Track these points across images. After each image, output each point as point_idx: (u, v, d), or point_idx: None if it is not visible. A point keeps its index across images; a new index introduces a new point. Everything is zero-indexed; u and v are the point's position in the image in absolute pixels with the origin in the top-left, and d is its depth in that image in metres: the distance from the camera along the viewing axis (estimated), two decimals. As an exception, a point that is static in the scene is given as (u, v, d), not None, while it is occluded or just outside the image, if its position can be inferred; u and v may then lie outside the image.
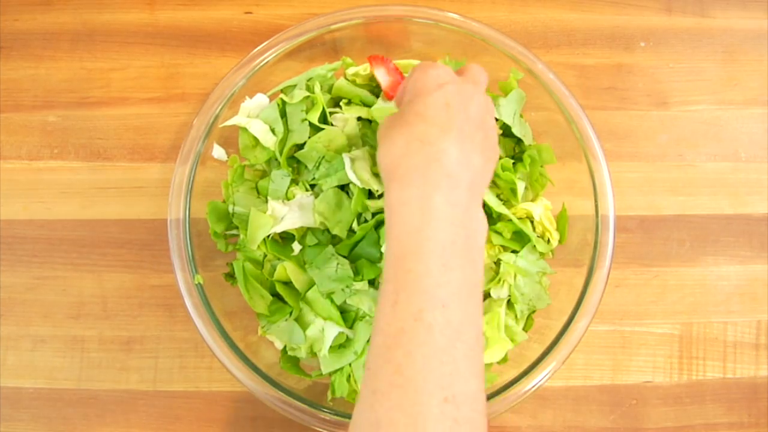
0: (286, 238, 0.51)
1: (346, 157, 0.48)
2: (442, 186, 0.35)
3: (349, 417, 0.47)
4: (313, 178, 0.50)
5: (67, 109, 0.60)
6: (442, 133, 0.36)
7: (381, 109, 0.51)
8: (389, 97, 0.52)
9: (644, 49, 0.62)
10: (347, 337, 0.49)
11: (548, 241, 0.52)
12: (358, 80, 0.53)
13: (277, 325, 0.50)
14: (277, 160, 0.50)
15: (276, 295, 0.50)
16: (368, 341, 0.48)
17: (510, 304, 0.50)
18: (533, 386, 0.47)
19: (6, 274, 0.57)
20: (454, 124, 0.36)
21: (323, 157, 0.49)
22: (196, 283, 0.48)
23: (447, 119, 0.36)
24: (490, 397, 0.47)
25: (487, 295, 0.50)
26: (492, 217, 0.50)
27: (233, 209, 0.51)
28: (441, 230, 0.34)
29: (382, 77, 0.52)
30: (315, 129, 0.50)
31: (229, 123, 0.51)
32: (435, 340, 0.32)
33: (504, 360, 0.50)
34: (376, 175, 0.49)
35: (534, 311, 0.51)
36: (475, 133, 0.37)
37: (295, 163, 0.51)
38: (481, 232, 0.37)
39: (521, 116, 0.53)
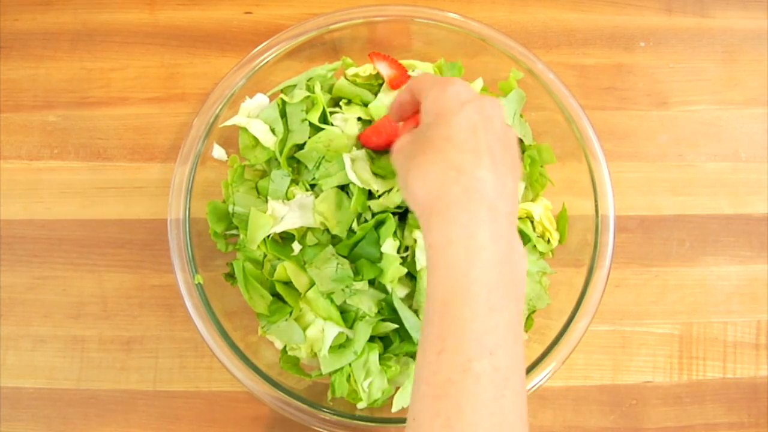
0: (286, 238, 0.51)
1: (346, 157, 0.48)
2: (484, 220, 0.33)
3: (350, 417, 0.47)
4: (313, 178, 0.50)
5: (67, 109, 0.60)
6: (476, 160, 0.34)
7: (379, 107, 0.51)
8: (393, 87, 0.52)
9: (644, 49, 0.62)
10: (347, 337, 0.49)
11: (548, 241, 0.52)
12: (358, 80, 0.53)
13: (277, 325, 0.50)
14: (277, 160, 0.50)
15: (276, 295, 0.50)
16: (368, 341, 0.48)
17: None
18: (533, 386, 0.47)
19: (6, 274, 0.57)
20: (485, 148, 0.34)
21: (323, 157, 0.49)
22: (196, 283, 0.48)
23: (477, 143, 0.34)
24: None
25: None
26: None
27: (233, 209, 0.51)
28: (487, 270, 0.32)
29: (385, 70, 0.52)
30: (315, 129, 0.50)
31: (229, 123, 0.51)
32: (484, 391, 0.31)
33: None
34: (377, 175, 0.49)
35: (534, 311, 0.51)
36: (504, 153, 0.36)
37: (295, 163, 0.51)
38: (522, 264, 0.35)
39: (521, 116, 0.53)
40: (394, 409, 0.47)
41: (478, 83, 0.53)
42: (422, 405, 0.32)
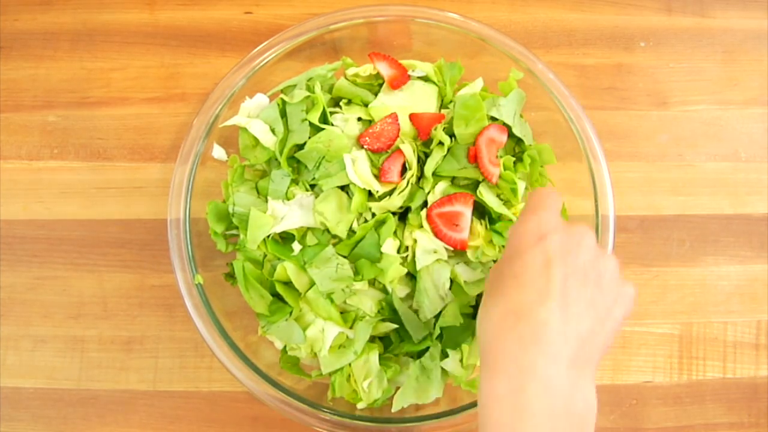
0: (286, 238, 0.51)
1: (347, 157, 0.48)
2: (538, 371, 0.31)
3: (350, 417, 0.47)
4: (313, 178, 0.50)
5: (67, 109, 0.60)
6: (540, 301, 0.32)
7: (379, 107, 0.51)
8: (393, 87, 0.52)
9: (644, 49, 0.62)
10: (347, 337, 0.49)
11: (548, 241, 0.52)
12: (359, 80, 0.53)
13: (277, 325, 0.50)
14: (277, 160, 0.50)
15: (276, 295, 0.50)
16: (368, 341, 0.48)
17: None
18: (533, 386, 0.47)
19: (6, 274, 0.57)
20: (555, 286, 0.32)
21: (323, 157, 0.49)
22: (196, 283, 0.48)
23: (546, 281, 0.32)
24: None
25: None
26: (492, 217, 0.50)
27: (233, 209, 0.51)
28: (537, 427, 0.30)
29: (385, 70, 0.52)
30: (315, 129, 0.50)
31: (229, 123, 0.51)
32: None
33: None
34: (377, 175, 0.49)
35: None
36: (583, 288, 0.33)
37: (295, 163, 0.51)
38: (589, 414, 0.32)
39: (521, 116, 0.53)
40: (394, 409, 0.47)
41: (478, 83, 0.53)
42: None
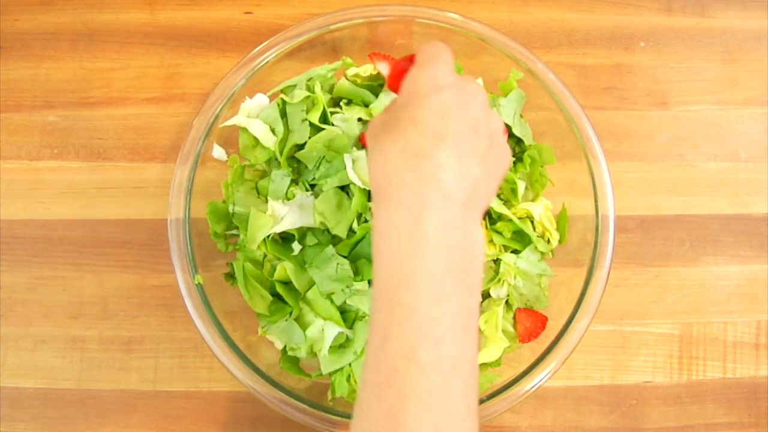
0: (286, 238, 0.51)
1: (347, 157, 0.48)
2: (435, 207, 0.32)
3: (349, 417, 0.47)
4: (313, 178, 0.50)
5: (67, 109, 0.60)
6: (438, 144, 0.33)
7: (380, 108, 0.51)
8: (393, 88, 0.52)
9: (644, 49, 0.62)
10: (347, 337, 0.49)
11: (548, 241, 0.52)
12: (359, 81, 0.53)
13: (277, 325, 0.50)
14: (277, 160, 0.50)
15: (276, 295, 0.50)
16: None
17: (508, 304, 0.50)
18: (533, 386, 0.47)
19: (6, 274, 0.57)
20: (452, 133, 0.33)
21: (323, 157, 0.49)
22: (196, 283, 0.48)
23: (444, 127, 0.33)
24: (490, 397, 0.47)
25: (486, 295, 0.50)
26: (492, 217, 0.50)
27: (233, 209, 0.51)
28: (434, 258, 0.31)
29: (386, 70, 0.52)
30: (315, 129, 0.50)
31: (229, 123, 0.51)
32: (429, 380, 0.30)
33: (497, 363, 0.50)
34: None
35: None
36: (476, 141, 0.34)
37: (295, 163, 0.51)
38: (479, 253, 0.34)
39: (521, 116, 0.53)
40: None
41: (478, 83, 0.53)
42: (367, 393, 0.31)
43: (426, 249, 0.31)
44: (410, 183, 0.32)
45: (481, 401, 0.47)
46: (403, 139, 0.33)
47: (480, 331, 0.49)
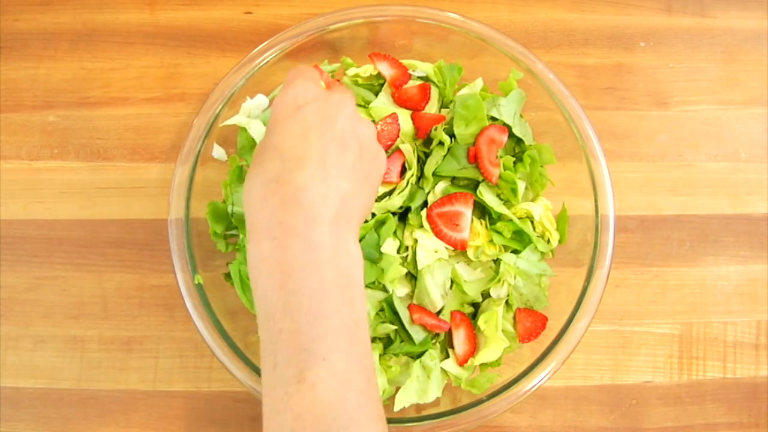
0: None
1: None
2: (300, 231, 0.32)
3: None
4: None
5: (67, 109, 0.60)
6: (299, 167, 0.33)
7: (379, 108, 0.51)
8: (395, 87, 0.52)
9: (644, 49, 0.62)
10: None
11: (548, 241, 0.52)
12: (359, 80, 0.53)
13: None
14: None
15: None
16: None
17: (508, 304, 0.50)
18: (533, 386, 0.47)
19: (6, 274, 0.57)
20: (314, 152, 0.33)
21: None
22: (196, 283, 0.48)
23: (306, 148, 0.33)
24: (490, 397, 0.47)
25: (486, 295, 0.50)
26: (492, 217, 0.50)
27: (233, 209, 0.51)
28: (305, 280, 0.32)
29: (386, 70, 0.52)
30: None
31: (229, 122, 0.51)
32: (322, 397, 0.30)
33: (497, 363, 0.50)
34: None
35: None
36: (343, 154, 0.34)
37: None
38: (355, 266, 0.34)
39: (521, 116, 0.53)
40: (396, 409, 0.47)
41: (478, 83, 0.53)
42: (267, 417, 0.32)
43: (295, 273, 0.32)
44: (274, 212, 0.33)
45: (481, 401, 0.47)
46: (264, 168, 0.34)
47: (480, 330, 0.49)
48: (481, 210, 0.50)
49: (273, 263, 0.32)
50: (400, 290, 0.49)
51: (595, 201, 0.50)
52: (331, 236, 0.33)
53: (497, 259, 0.50)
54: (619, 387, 0.56)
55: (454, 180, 0.51)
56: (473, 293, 0.49)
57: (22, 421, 0.54)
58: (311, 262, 0.32)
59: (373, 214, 0.49)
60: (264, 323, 0.33)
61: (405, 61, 0.53)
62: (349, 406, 0.31)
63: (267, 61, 0.52)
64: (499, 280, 0.50)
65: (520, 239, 0.50)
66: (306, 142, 0.34)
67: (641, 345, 0.57)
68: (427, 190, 0.50)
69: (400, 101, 0.52)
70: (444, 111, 0.53)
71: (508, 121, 0.51)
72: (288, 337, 0.31)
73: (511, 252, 0.50)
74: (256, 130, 0.50)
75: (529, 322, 0.49)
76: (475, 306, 0.51)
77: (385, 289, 0.49)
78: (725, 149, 0.61)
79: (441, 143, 0.50)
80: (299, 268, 0.32)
